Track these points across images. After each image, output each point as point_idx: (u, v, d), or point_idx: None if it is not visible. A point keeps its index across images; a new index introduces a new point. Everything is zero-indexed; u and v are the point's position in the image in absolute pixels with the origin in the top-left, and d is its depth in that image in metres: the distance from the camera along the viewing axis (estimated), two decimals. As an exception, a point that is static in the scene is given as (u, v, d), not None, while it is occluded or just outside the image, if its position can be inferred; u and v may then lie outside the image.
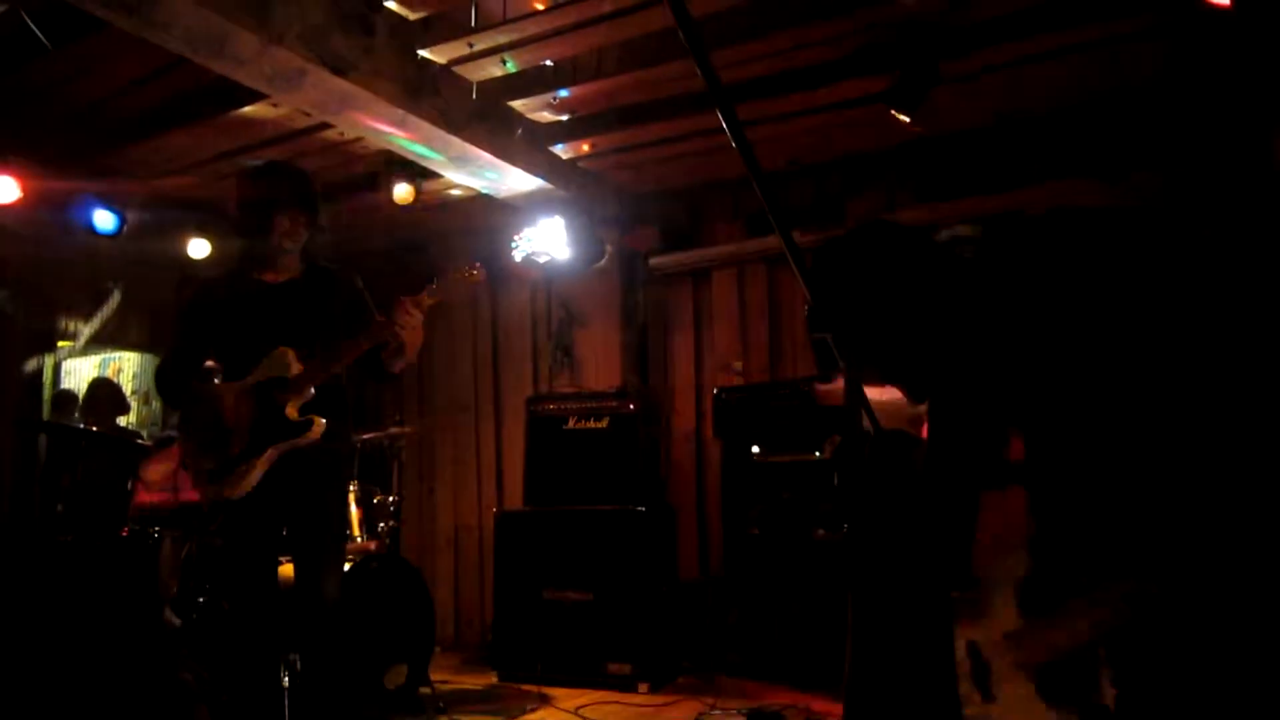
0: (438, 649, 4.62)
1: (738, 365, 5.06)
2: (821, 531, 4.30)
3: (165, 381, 3.03)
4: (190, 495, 4.13)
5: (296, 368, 2.84)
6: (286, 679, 3.56)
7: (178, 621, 3.79)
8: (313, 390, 2.85)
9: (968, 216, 4.25)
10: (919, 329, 1.44)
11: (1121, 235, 1.43)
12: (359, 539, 4.24)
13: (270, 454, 2.81)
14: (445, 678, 4.62)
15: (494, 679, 4.61)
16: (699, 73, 1.11)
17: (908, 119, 3.75)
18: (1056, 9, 3.52)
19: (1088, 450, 1.58)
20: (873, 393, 1.78)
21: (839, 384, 1.39)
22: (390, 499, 4.43)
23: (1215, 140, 3.78)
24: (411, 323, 2.82)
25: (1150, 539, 1.43)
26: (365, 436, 4.59)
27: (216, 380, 2.93)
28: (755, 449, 4.48)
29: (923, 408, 1.83)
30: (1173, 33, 3.58)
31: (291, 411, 2.82)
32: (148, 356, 5.85)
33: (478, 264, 2.93)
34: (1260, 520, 1.33)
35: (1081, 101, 4.20)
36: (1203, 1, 3.05)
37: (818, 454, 4.32)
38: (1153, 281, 1.38)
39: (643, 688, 4.30)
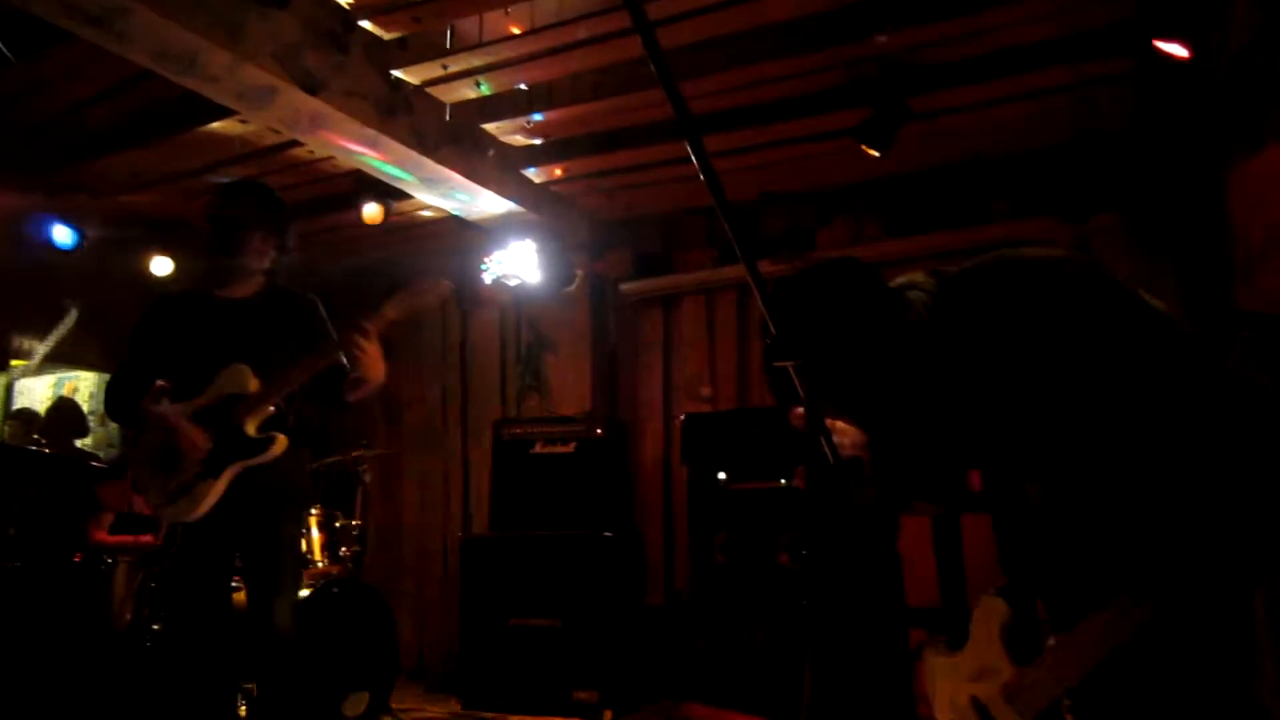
0: (401, 676, 4.54)
1: (706, 392, 5.07)
2: (787, 559, 4.30)
3: (114, 400, 2.95)
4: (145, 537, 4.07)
5: (254, 384, 2.78)
6: (243, 708, 3.49)
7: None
8: (272, 408, 2.80)
9: (936, 251, 4.32)
10: (864, 365, 1.47)
11: (1060, 283, 1.49)
12: (320, 564, 4.16)
13: (229, 473, 2.74)
14: (408, 706, 4.54)
15: (458, 707, 4.54)
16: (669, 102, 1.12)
17: (878, 154, 3.80)
18: (1028, 51, 3.59)
19: (1045, 488, 1.61)
20: (843, 422, 1.79)
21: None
22: (353, 523, 4.36)
23: (1174, 184, 3.87)
24: (364, 343, 2.72)
25: (1111, 573, 1.45)
26: (329, 460, 4.53)
27: (167, 399, 2.84)
28: (722, 475, 4.47)
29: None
30: (1139, 78, 3.68)
31: (251, 429, 2.77)
32: (105, 376, 5.73)
33: (441, 281, 2.88)
34: (1213, 546, 1.37)
35: (1049, 142, 4.27)
36: (1162, 52, 3.12)
37: (783, 481, 4.32)
38: (1091, 322, 1.45)
39: (608, 715, 4.26)
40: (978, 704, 1.60)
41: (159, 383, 2.81)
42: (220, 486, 2.74)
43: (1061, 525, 1.57)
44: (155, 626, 3.75)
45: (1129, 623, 1.37)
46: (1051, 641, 1.50)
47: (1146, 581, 1.38)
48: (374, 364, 2.80)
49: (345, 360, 2.78)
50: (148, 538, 4.09)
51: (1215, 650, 1.41)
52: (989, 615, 1.63)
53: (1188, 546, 1.37)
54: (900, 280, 1.60)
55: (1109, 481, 1.47)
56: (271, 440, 2.75)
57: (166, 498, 2.80)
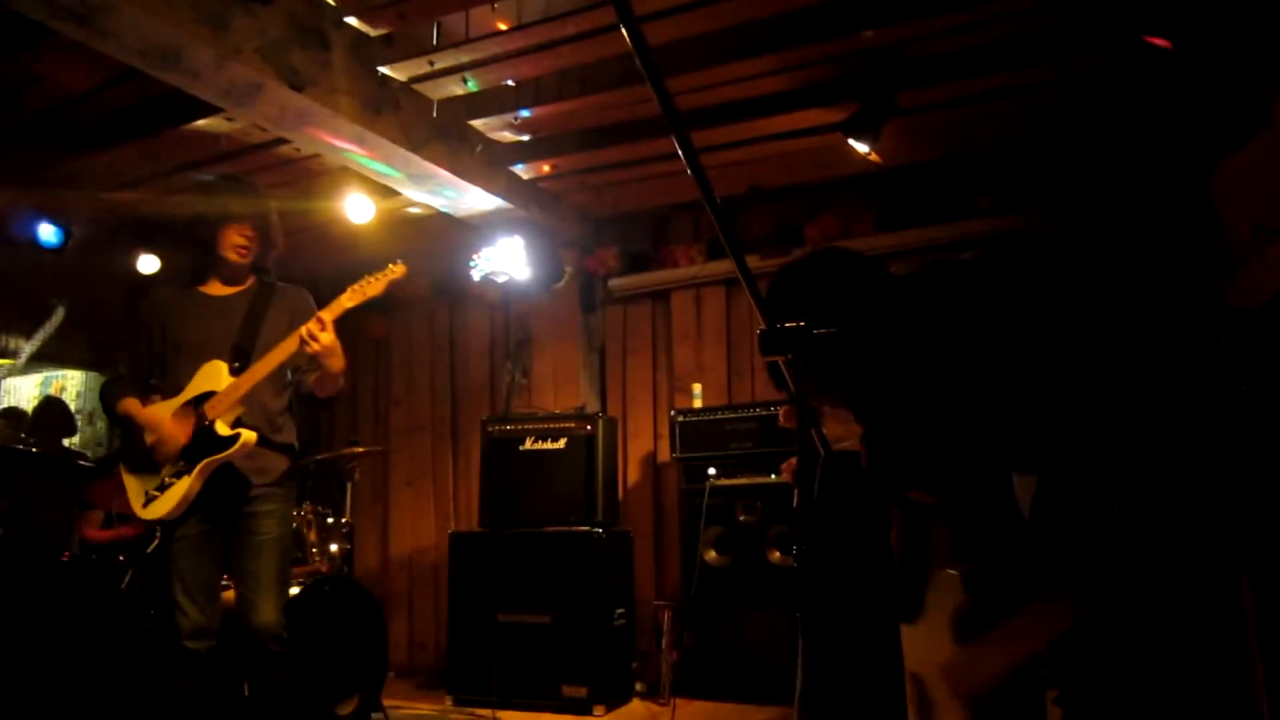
0: (391, 674, 4.54)
1: (696, 388, 5.08)
2: (777, 554, 4.32)
3: (109, 401, 2.96)
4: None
5: (226, 381, 2.79)
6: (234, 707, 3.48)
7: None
8: (243, 404, 2.80)
9: (924, 245, 4.34)
10: (862, 353, 1.48)
11: (1053, 270, 1.50)
12: (311, 561, 4.16)
13: (200, 470, 2.75)
14: (398, 703, 4.54)
15: (448, 703, 4.54)
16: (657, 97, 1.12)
17: (865, 149, 3.81)
18: (1014, 46, 3.61)
19: (1042, 477, 1.61)
20: (837, 413, 1.80)
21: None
22: (343, 521, 4.36)
23: (1160, 179, 3.89)
24: (320, 335, 2.73)
25: (1076, 565, 1.46)
26: (318, 458, 4.52)
27: (158, 396, 2.86)
28: (712, 471, 4.49)
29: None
30: (1124, 73, 3.70)
31: (221, 426, 2.76)
32: (92, 375, 5.69)
33: (394, 265, 2.88)
34: (1181, 533, 1.38)
35: (1035, 137, 4.28)
36: (1146, 41, 3.15)
37: (773, 476, 4.34)
38: (1083, 309, 1.45)
39: (598, 710, 4.27)
40: (916, 680, 1.61)
41: (155, 381, 2.83)
42: (193, 484, 2.74)
43: (1048, 514, 1.57)
44: (145, 625, 3.74)
45: (1068, 611, 1.38)
46: (995, 629, 1.51)
47: (1103, 570, 1.39)
48: (331, 355, 2.79)
49: (298, 348, 2.76)
50: (137, 535, 4.07)
51: (1198, 641, 1.42)
52: (946, 594, 1.63)
53: (1162, 535, 1.39)
54: (896, 273, 1.61)
55: (1099, 470, 1.47)
56: (238, 438, 2.75)
57: (146, 496, 2.80)
